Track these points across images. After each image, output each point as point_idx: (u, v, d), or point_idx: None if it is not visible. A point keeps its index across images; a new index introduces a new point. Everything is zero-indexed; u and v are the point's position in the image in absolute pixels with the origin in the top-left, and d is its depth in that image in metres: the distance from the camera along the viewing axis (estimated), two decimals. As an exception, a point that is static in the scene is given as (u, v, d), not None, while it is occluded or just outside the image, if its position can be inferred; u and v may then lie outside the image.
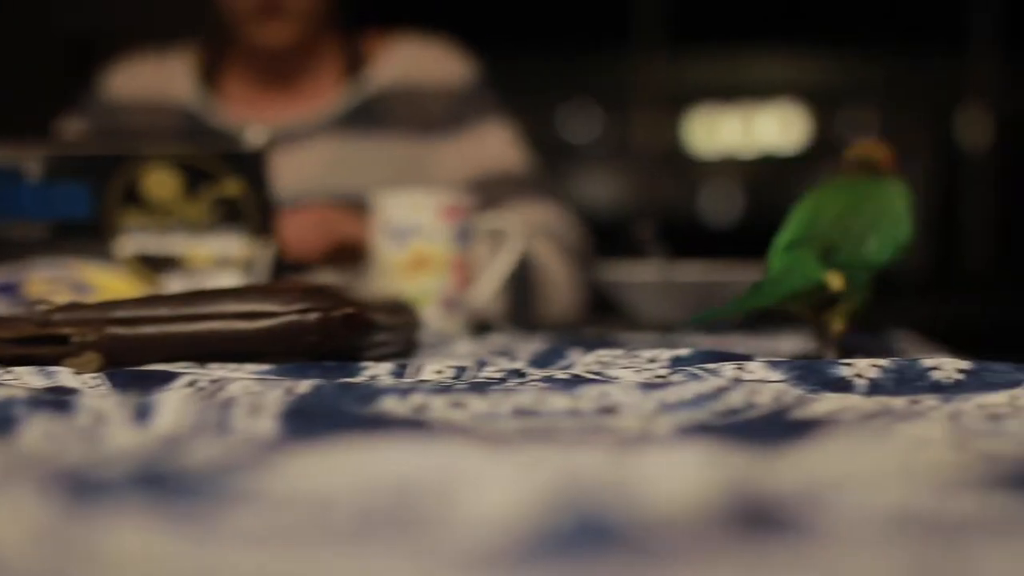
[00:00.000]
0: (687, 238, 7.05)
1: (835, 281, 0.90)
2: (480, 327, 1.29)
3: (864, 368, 0.71)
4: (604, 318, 1.55)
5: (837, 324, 0.92)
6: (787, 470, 0.41)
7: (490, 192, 1.67)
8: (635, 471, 0.38)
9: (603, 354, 0.82)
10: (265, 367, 0.77)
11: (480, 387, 0.63)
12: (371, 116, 1.70)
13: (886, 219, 0.95)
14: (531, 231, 1.61)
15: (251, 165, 1.18)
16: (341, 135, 1.69)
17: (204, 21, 1.85)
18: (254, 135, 1.19)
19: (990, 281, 5.54)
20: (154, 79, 1.74)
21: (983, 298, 4.65)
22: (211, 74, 1.74)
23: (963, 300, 4.61)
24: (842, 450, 0.44)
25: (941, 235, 6.91)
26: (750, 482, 0.37)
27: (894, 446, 0.45)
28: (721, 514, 0.33)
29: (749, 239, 7.29)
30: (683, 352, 0.78)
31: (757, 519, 0.33)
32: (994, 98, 6.01)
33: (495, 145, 1.71)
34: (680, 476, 0.36)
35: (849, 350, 1.01)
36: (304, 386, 0.62)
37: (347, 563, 0.30)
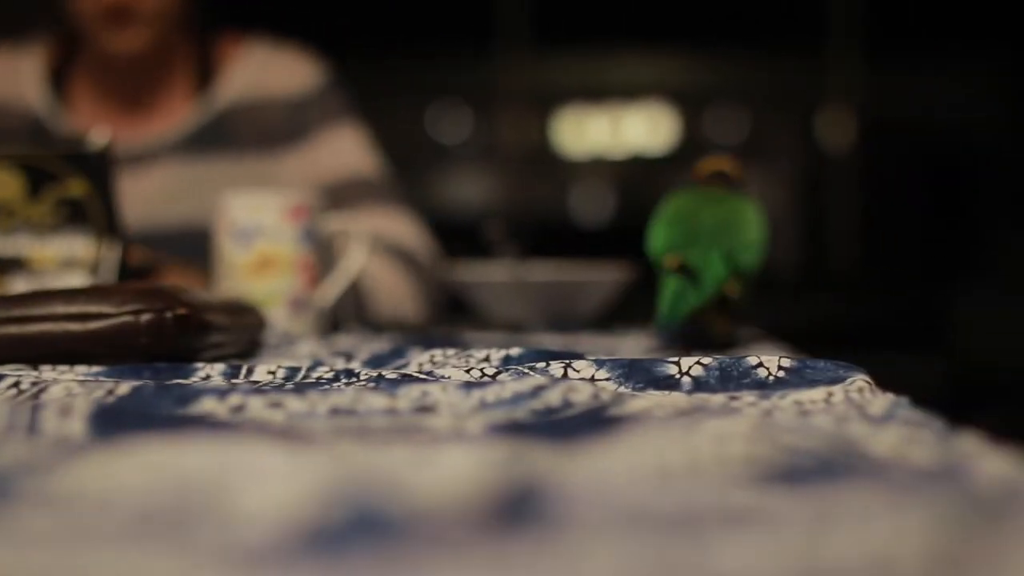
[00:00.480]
0: (558, 238, 7.10)
1: (731, 286, 1.02)
2: (330, 327, 1.29)
3: (689, 366, 0.72)
4: (458, 318, 1.56)
5: (722, 323, 1.04)
6: (577, 467, 0.42)
7: (338, 199, 1.63)
8: (417, 467, 0.38)
9: (438, 353, 0.83)
10: (97, 368, 0.77)
11: (303, 387, 0.63)
12: (219, 134, 1.64)
13: (744, 226, 1.07)
14: (376, 242, 1.58)
15: (94, 166, 1.17)
16: (188, 156, 1.63)
17: (51, 19, 1.77)
18: (97, 136, 1.18)
19: (855, 280, 5.65)
20: (6, 77, 1.69)
21: (847, 297, 4.75)
22: (58, 82, 1.68)
23: (828, 299, 4.70)
24: (636, 447, 0.45)
25: (807, 235, 7.03)
26: (531, 478, 0.38)
27: (689, 443, 0.46)
28: (488, 507, 0.34)
29: (619, 238, 7.36)
30: (514, 351, 0.79)
31: (522, 513, 0.34)
32: (856, 100, 6.13)
33: (342, 151, 1.67)
34: (457, 473, 0.37)
35: (687, 346, 1.02)
36: (124, 388, 0.62)
37: (115, 563, 0.30)
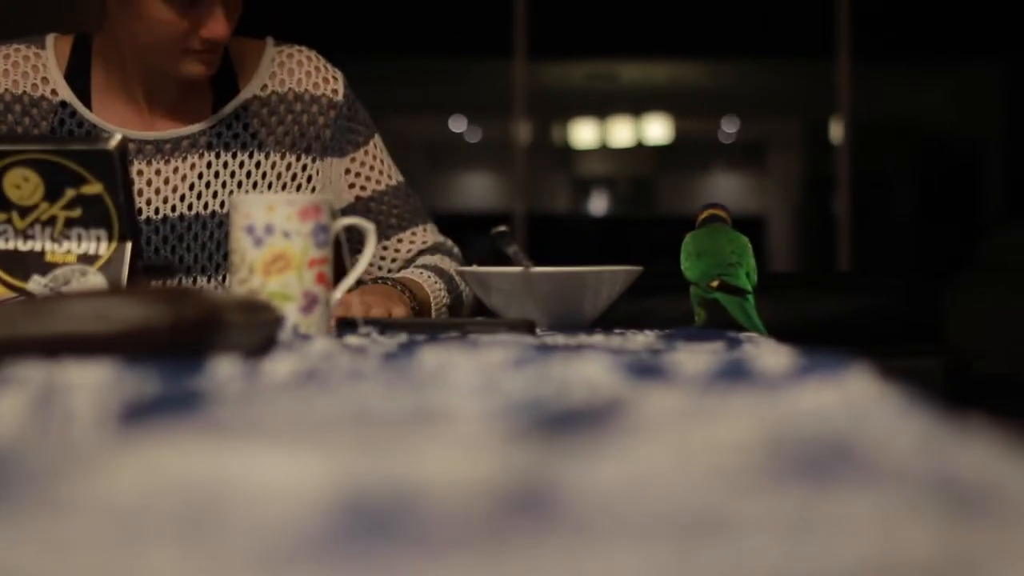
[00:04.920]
0: (568, 232, 7.11)
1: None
2: (343, 325, 1.31)
3: (691, 361, 0.74)
4: (468, 318, 1.58)
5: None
6: (585, 466, 0.43)
7: (376, 212, 1.73)
8: (426, 468, 0.40)
9: (448, 352, 0.84)
10: (113, 369, 0.78)
11: (316, 386, 0.65)
12: (245, 127, 1.68)
13: (748, 252, 1.42)
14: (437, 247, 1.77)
15: (109, 165, 1.18)
16: (214, 147, 1.66)
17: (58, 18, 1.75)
18: (111, 136, 1.20)
19: (853, 277, 5.66)
20: (34, 71, 1.68)
21: (846, 293, 4.75)
22: (76, 80, 1.68)
23: (828, 295, 4.70)
24: (642, 446, 0.46)
25: (808, 233, 7.02)
26: (540, 478, 0.39)
27: (696, 442, 0.47)
28: (497, 508, 0.35)
29: (627, 236, 7.37)
30: (524, 351, 0.81)
31: (532, 513, 0.35)
32: (856, 105, 6.13)
33: (377, 166, 1.76)
34: (466, 474, 0.38)
35: (689, 342, 1.04)
36: (142, 388, 0.63)
37: (122, 568, 0.31)
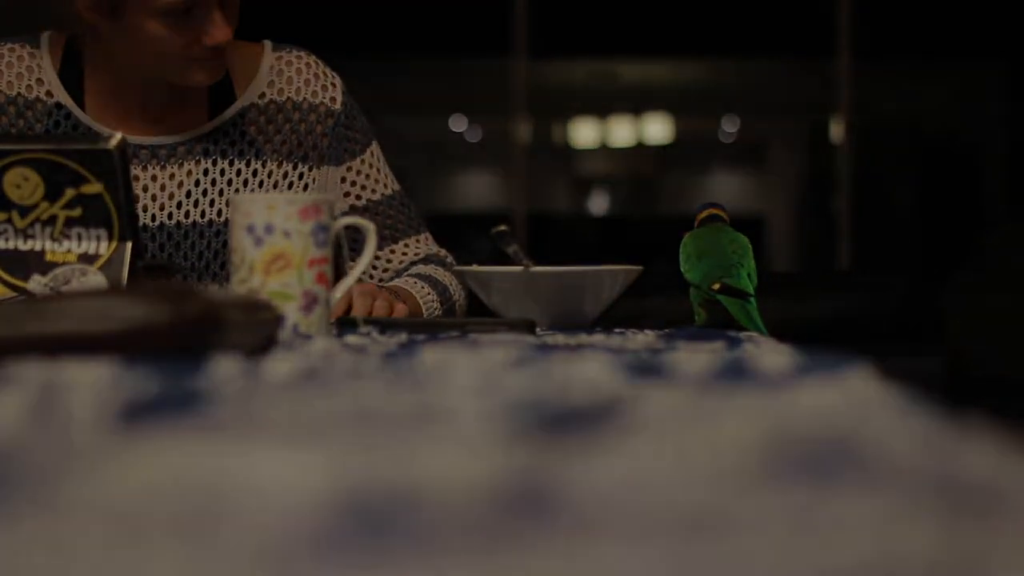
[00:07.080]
0: (568, 234, 7.11)
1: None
2: (343, 324, 1.31)
3: (691, 361, 0.74)
4: (468, 317, 1.58)
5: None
6: (586, 466, 0.43)
7: (375, 224, 1.71)
8: (427, 468, 0.40)
9: (448, 352, 0.84)
10: (113, 367, 0.78)
11: (316, 386, 0.65)
12: (242, 135, 1.67)
13: (749, 251, 1.41)
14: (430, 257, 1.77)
15: (109, 164, 1.18)
16: (211, 154, 1.65)
17: (52, 20, 1.73)
18: (111, 135, 1.20)
19: (853, 276, 5.66)
20: (28, 72, 1.67)
21: (846, 293, 4.74)
22: (70, 83, 1.67)
23: (828, 295, 4.70)
24: (642, 446, 0.46)
25: (808, 232, 7.02)
26: (541, 478, 0.39)
27: (697, 441, 0.47)
28: (498, 508, 0.35)
29: (624, 236, 7.36)
30: (524, 350, 0.81)
31: (532, 513, 0.35)
32: (855, 104, 6.11)
33: (376, 174, 1.76)
34: (466, 474, 0.38)
35: (689, 341, 1.04)
36: (142, 387, 0.63)
37: (122, 568, 0.31)
